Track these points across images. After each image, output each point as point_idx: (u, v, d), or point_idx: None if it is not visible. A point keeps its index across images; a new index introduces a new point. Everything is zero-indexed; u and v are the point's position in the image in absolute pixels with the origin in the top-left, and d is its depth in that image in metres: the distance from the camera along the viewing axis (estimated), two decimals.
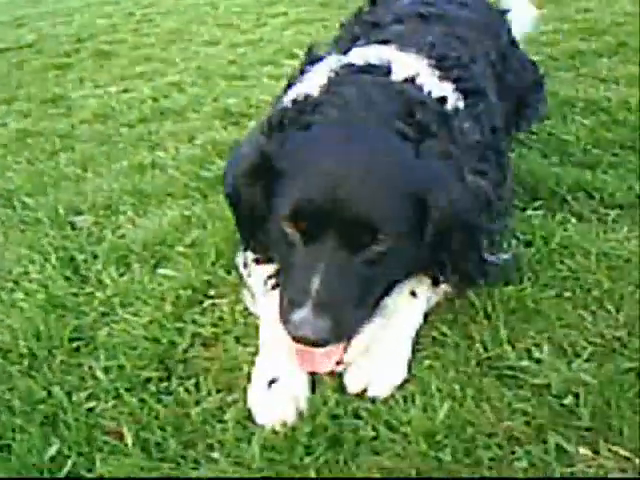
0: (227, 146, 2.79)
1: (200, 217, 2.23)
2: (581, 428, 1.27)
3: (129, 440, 1.37)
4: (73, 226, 2.34)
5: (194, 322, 1.73)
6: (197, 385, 1.52)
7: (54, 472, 1.33)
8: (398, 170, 1.39)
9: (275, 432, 1.33)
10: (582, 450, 1.23)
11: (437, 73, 1.72)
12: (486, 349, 1.49)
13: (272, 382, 1.42)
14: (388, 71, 1.65)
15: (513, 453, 1.25)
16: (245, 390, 1.47)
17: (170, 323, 1.71)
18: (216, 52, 4.75)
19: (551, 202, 2.05)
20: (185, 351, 1.63)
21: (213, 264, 1.94)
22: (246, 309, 1.74)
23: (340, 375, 1.44)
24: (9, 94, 4.26)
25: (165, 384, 1.53)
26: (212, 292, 1.84)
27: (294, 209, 1.38)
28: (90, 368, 1.62)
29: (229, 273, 1.90)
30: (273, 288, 1.61)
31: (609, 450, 1.22)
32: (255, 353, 1.56)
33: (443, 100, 1.61)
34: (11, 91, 4.34)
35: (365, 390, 1.41)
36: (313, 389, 1.43)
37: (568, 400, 1.33)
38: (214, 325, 1.72)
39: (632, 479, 1.18)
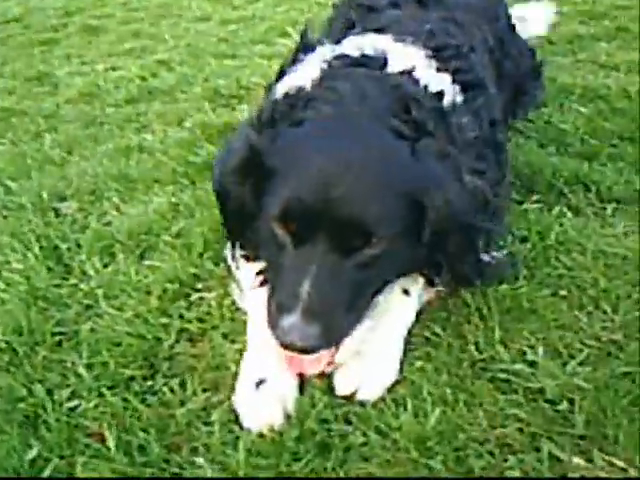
0: (216, 129, 2.73)
1: (188, 205, 2.17)
2: (575, 436, 1.25)
3: (111, 443, 1.32)
4: (57, 212, 2.27)
5: (180, 317, 1.68)
6: (182, 384, 1.47)
7: (34, 476, 1.29)
8: (393, 170, 1.33)
9: (262, 436, 1.29)
10: (576, 459, 1.20)
11: (435, 64, 1.66)
12: (479, 350, 1.45)
13: (259, 383, 1.38)
14: (384, 63, 1.58)
15: (505, 461, 1.22)
16: (232, 389, 1.43)
17: (155, 318, 1.66)
18: (207, 28, 4.63)
19: (548, 195, 2.00)
20: (171, 347, 1.59)
21: (200, 255, 1.89)
22: (234, 303, 1.70)
23: (329, 376, 1.40)
24: None
25: (149, 383, 1.48)
26: (199, 285, 1.79)
27: (284, 209, 1.32)
28: (73, 364, 1.57)
29: (217, 265, 1.85)
30: (261, 285, 1.56)
31: (603, 460, 1.19)
32: (243, 350, 1.52)
33: (440, 94, 1.54)
34: None
35: (355, 392, 1.37)
36: (301, 391, 1.39)
37: (562, 406, 1.30)
38: (201, 320, 1.67)
39: None
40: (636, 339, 1.44)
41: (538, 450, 1.23)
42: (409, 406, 1.32)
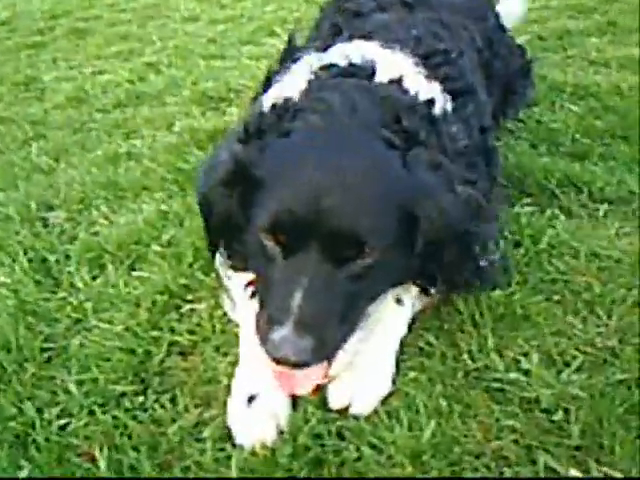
0: (206, 134, 2.70)
1: (177, 213, 2.15)
2: (571, 447, 1.23)
3: (102, 463, 1.31)
4: (45, 223, 2.25)
5: (171, 330, 1.66)
6: (174, 400, 1.45)
7: None
8: (384, 180, 1.31)
9: (254, 454, 1.27)
10: (572, 471, 1.19)
11: (424, 72, 1.63)
12: (473, 359, 1.44)
13: (251, 399, 1.36)
14: (372, 72, 1.56)
15: (502, 474, 1.20)
16: (224, 404, 1.41)
17: (146, 331, 1.64)
18: (195, 29, 4.60)
19: (540, 197, 1.99)
20: (161, 362, 1.57)
21: (190, 265, 1.87)
22: (225, 314, 1.68)
23: (322, 388, 1.38)
24: None
25: (140, 399, 1.46)
26: (190, 296, 1.77)
27: (273, 221, 1.30)
28: (62, 381, 1.54)
29: (207, 275, 1.82)
30: (252, 296, 1.54)
31: (599, 471, 1.18)
32: (235, 363, 1.50)
33: (431, 103, 1.52)
34: None
35: (348, 406, 1.35)
36: (294, 405, 1.38)
37: (558, 416, 1.28)
38: (192, 332, 1.65)
39: None
40: (632, 345, 1.43)
41: (534, 462, 1.21)
42: (403, 419, 1.31)
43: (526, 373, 1.39)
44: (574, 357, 1.43)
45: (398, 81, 1.55)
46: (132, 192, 2.35)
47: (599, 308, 1.54)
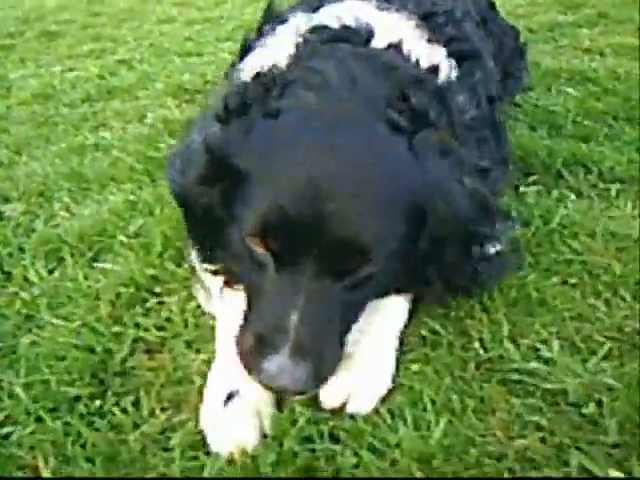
0: (180, 124, 2.51)
1: (147, 202, 1.94)
2: (607, 444, 1.04)
3: (46, 476, 1.09)
4: (1, 216, 2.02)
5: (136, 325, 1.45)
6: (137, 403, 1.24)
7: None
8: (392, 174, 1.12)
9: (232, 462, 1.06)
10: (613, 473, 0.99)
11: (425, 35, 1.45)
12: (485, 349, 1.25)
13: (229, 397, 1.15)
14: (368, 37, 1.37)
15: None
16: (197, 407, 1.20)
17: (106, 327, 1.42)
18: (171, 30, 4.41)
19: (545, 177, 1.82)
20: (124, 361, 1.35)
21: (160, 255, 1.66)
22: (199, 307, 1.47)
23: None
24: None
25: (98, 403, 1.24)
26: (158, 289, 1.55)
27: (264, 223, 1.10)
28: (9, 384, 1.32)
29: (179, 266, 1.61)
30: (227, 284, 1.34)
31: None
32: (210, 361, 1.30)
33: (435, 70, 1.34)
34: None
35: (344, 405, 1.15)
36: (279, 404, 1.17)
37: (589, 409, 1.09)
38: (160, 328, 1.44)
39: None
40: None
41: (566, 463, 1.02)
42: (408, 417, 1.11)
43: (547, 362, 1.21)
44: (601, 343, 1.24)
45: (397, 46, 1.37)
46: (98, 183, 2.14)
47: (623, 290, 1.36)
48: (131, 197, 2.00)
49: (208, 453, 1.10)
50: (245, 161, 1.13)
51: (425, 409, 1.12)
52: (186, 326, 1.43)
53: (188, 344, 1.39)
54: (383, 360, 1.22)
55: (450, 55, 1.47)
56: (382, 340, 1.24)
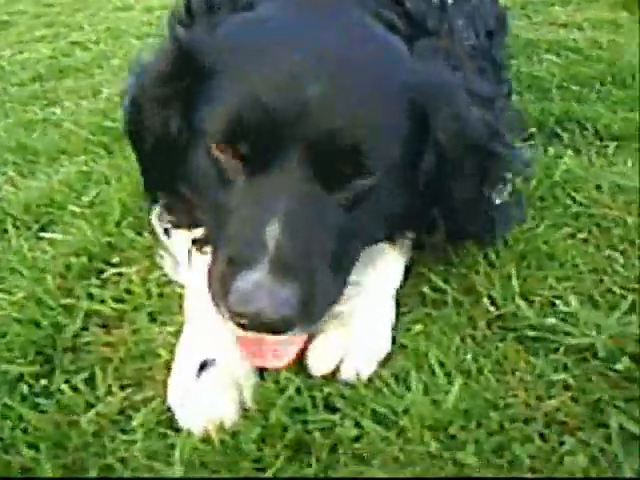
0: None
1: (102, 173, 1.74)
2: None
3: None
4: None
5: (90, 297, 1.25)
6: (91, 381, 1.05)
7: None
8: (388, 64, 0.97)
9: (208, 441, 0.88)
10: None
11: None
12: (496, 306, 1.09)
13: (203, 366, 0.96)
14: None
15: (562, 444, 0.85)
16: (163, 384, 1.01)
17: (55, 300, 1.22)
18: (129, 16, 4.20)
19: (540, 135, 1.69)
20: (75, 336, 1.15)
21: (118, 224, 1.46)
22: (164, 277, 1.28)
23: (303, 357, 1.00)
24: None
25: (43, 382, 1.04)
26: (116, 259, 1.36)
27: (232, 122, 0.91)
28: None
29: (139, 234, 1.42)
30: (201, 247, 1.16)
31: None
32: (178, 333, 1.11)
33: None
34: None
35: (336, 371, 0.97)
36: (261, 372, 0.99)
37: (622, 364, 0.94)
38: (119, 300, 1.24)
39: None
40: None
41: (605, 426, 0.86)
42: (414, 382, 0.94)
43: (566, 318, 1.06)
44: (622, 296, 1.10)
45: None
46: (47, 156, 1.93)
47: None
48: (84, 168, 1.79)
49: (178, 431, 0.91)
50: (211, 57, 0.96)
51: (434, 372, 0.96)
52: (149, 297, 1.24)
53: (152, 316, 1.20)
54: (379, 319, 1.05)
55: None
56: (377, 297, 1.07)
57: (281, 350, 0.96)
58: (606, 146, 1.64)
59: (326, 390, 0.93)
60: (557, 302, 1.09)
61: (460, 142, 0.98)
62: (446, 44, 1.07)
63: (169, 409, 0.96)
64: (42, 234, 1.47)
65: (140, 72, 1.08)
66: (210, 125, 0.95)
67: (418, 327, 1.05)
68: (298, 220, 0.88)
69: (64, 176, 1.75)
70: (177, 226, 1.25)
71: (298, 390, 0.93)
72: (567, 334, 1.01)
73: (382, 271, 1.12)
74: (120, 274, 1.32)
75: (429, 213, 1.08)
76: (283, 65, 0.90)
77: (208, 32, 1.01)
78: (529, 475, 0.81)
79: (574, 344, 0.99)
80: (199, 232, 1.18)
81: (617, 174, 1.48)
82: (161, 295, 1.25)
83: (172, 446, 0.89)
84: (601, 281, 1.14)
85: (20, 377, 1.06)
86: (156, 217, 1.38)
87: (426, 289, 1.13)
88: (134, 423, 0.94)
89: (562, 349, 0.99)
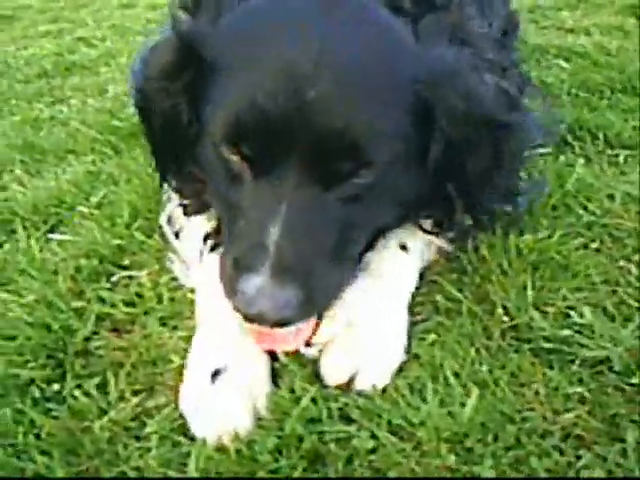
0: None
1: (111, 174, 1.73)
2: None
3: None
4: None
5: (101, 300, 1.25)
6: (103, 386, 1.04)
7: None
8: (390, 58, 0.95)
9: (222, 450, 0.87)
10: None
11: None
12: (510, 315, 1.09)
13: (216, 374, 0.96)
14: None
15: (579, 459, 0.85)
16: (175, 390, 1.01)
17: (66, 303, 1.22)
18: (133, 13, 4.19)
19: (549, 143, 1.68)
20: (87, 340, 1.15)
21: (128, 226, 1.46)
22: (174, 281, 1.28)
23: (315, 361, 1.00)
24: None
25: (55, 387, 1.04)
26: (126, 261, 1.36)
27: (234, 124, 0.92)
28: None
29: (149, 237, 1.42)
30: (213, 249, 1.16)
31: None
32: (189, 339, 1.11)
33: None
34: None
35: (351, 381, 0.97)
36: (275, 380, 0.99)
37: (638, 378, 0.94)
38: (129, 304, 1.24)
39: None
40: None
41: (621, 440, 0.86)
42: (430, 393, 0.94)
43: (580, 330, 1.05)
44: (637, 308, 1.10)
45: None
46: (54, 155, 1.92)
47: None
48: (92, 168, 1.79)
49: (193, 439, 0.91)
50: (214, 50, 0.96)
51: (449, 383, 0.95)
52: (160, 301, 1.24)
53: (162, 321, 1.20)
54: (393, 327, 1.05)
55: None
56: (392, 303, 1.07)
57: (288, 336, 0.97)
58: (617, 155, 1.63)
59: (342, 400, 0.93)
60: (571, 313, 1.09)
61: (470, 120, 0.97)
62: (456, 19, 1.06)
63: (182, 416, 0.96)
64: (51, 235, 1.46)
65: (144, 62, 1.08)
66: (213, 126, 0.96)
67: (432, 337, 1.05)
68: (298, 223, 0.90)
69: (72, 176, 1.75)
70: (188, 211, 1.24)
71: (313, 400, 0.93)
72: (582, 346, 1.01)
73: (395, 279, 1.12)
74: (130, 277, 1.32)
75: (442, 191, 1.07)
76: (283, 66, 0.90)
77: (211, 23, 1.01)
78: None
79: (589, 356, 0.99)
80: (209, 228, 1.19)
81: (629, 183, 1.48)
82: (172, 299, 1.24)
83: (187, 454, 0.88)
84: (614, 292, 1.14)
85: (31, 381, 1.06)
86: (166, 220, 1.38)
87: (439, 298, 1.13)
88: (148, 430, 0.94)
89: (577, 361, 0.99)
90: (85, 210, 1.56)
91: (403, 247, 1.16)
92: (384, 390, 0.95)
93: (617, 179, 1.51)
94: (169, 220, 1.36)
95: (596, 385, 0.94)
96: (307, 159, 0.89)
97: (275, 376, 0.99)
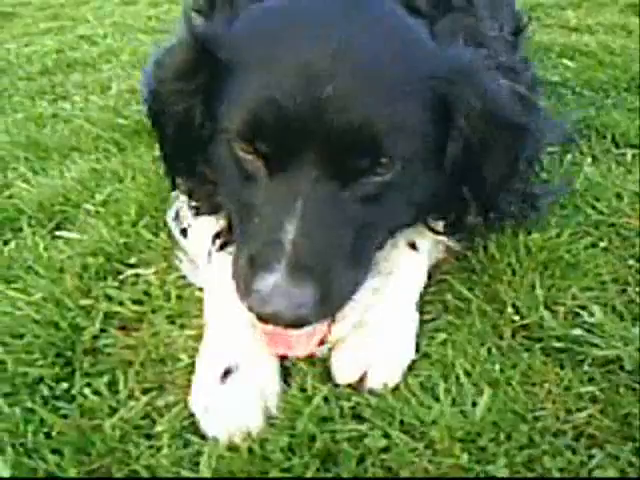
0: None
1: (116, 172, 1.73)
2: None
3: (5, 472, 0.88)
4: None
5: (108, 298, 1.24)
6: (113, 384, 1.04)
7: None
8: (407, 55, 0.95)
9: (234, 449, 0.87)
10: None
11: None
12: (520, 314, 1.09)
13: (227, 373, 0.96)
14: None
15: (591, 458, 0.85)
16: (185, 388, 1.01)
17: (73, 301, 1.21)
18: (134, 10, 4.18)
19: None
20: (95, 338, 1.15)
21: (134, 224, 1.45)
22: (182, 279, 1.27)
23: (326, 360, 1.00)
24: None
25: (64, 385, 1.04)
26: (133, 259, 1.35)
27: (250, 121, 0.91)
28: None
29: (156, 235, 1.41)
30: (222, 247, 1.15)
31: None
32: (197, 337, 1.11)
33: None
34: None
35: (362, 380, 0.97)
36: (286, 379, 0.98)
37: None
38: (137, 302, 1.24)
39: None
40: None
41: (634, 440, 0.86)
42: (442, 392, 0.93)
43: (590, 329, 1.05)
44: None
45: None
46: (58, 153, 1.92)
47: None
48: (97, 166, 1.79)
49: (204, 438, 0.90)
50: (229, 51, 0.95)
51: (460, 382, 0.95)
52: (168, 299, 1.24)
53: (171, 319, 1.19)
54: (403, 326, 1.05)
55: None
56: (402, 302, 1.07)
57: (302, 339, 0.96)
58: (624, 154, 1.63)
59: (354, 399, 0.93)
60: (581, 312, 1.09)
61: (488, 120, 0.97)
62: (471, 21, 1.05)
63: (192, 415, 0.96)
64: (57, 233, 1.46)
65: (158, 65, 1.07)
66: (229, 124, 0.95)
67: (442, 335, 1.05)
68: (314, 221, 0.89)
69: (77, 173, 1.74)
70: (198, 213, 1.23)
71: (325, 399, 0.92)
72: (593, 345, 1.01)
73: (405, 278, 1.12)
74: (138, 275, 1.31)
75: (458, 193, 1.07)
76: (300, 62, 0.90)
77: (226, 24, 1.00)
78: None
79: (600, 356, 0.99)
80: (218, 227, 1.18)
81: (636, 182, 1.48)
82: (180, 297, 1.24)
83: (198, 453, 0.88)
84: (624, 291, 1.14)
85: (40, 379, 1.05)
86: (172, 218, 1.38)
87: (449, 297, 1.13)
88: (158, 429, 0.94)
89: (588, 360, 0.99)
90: (91, 208, 1.55)
91: (412, 246, 1.16)
92: (396, 389, 0.95)
93: (624, 178, 1.51)
94: (176, 216, 1.36)
95: (607, 384, 0.94)
96: (324, 155, 0.89)
97: (286, 375, 0.99)
